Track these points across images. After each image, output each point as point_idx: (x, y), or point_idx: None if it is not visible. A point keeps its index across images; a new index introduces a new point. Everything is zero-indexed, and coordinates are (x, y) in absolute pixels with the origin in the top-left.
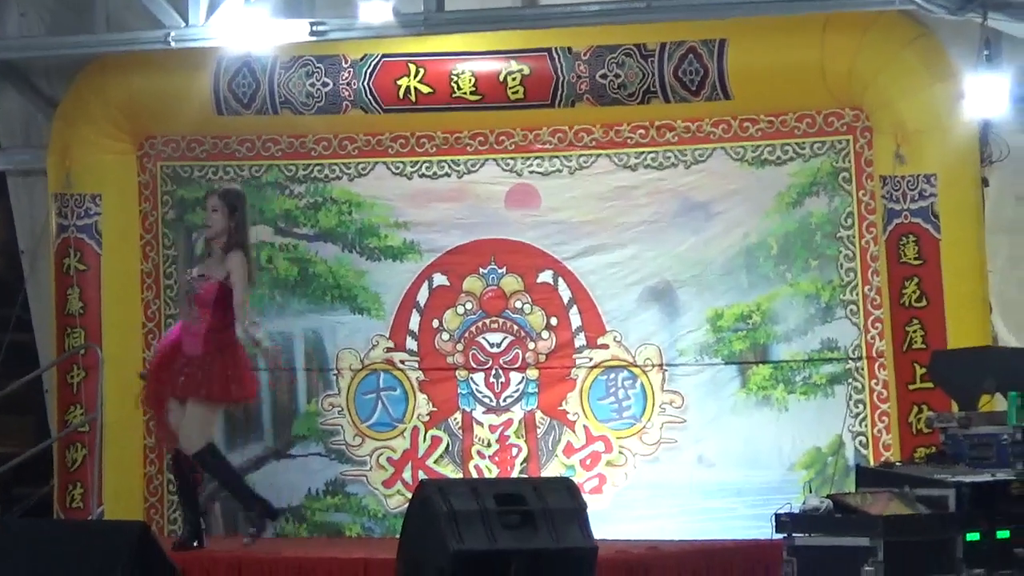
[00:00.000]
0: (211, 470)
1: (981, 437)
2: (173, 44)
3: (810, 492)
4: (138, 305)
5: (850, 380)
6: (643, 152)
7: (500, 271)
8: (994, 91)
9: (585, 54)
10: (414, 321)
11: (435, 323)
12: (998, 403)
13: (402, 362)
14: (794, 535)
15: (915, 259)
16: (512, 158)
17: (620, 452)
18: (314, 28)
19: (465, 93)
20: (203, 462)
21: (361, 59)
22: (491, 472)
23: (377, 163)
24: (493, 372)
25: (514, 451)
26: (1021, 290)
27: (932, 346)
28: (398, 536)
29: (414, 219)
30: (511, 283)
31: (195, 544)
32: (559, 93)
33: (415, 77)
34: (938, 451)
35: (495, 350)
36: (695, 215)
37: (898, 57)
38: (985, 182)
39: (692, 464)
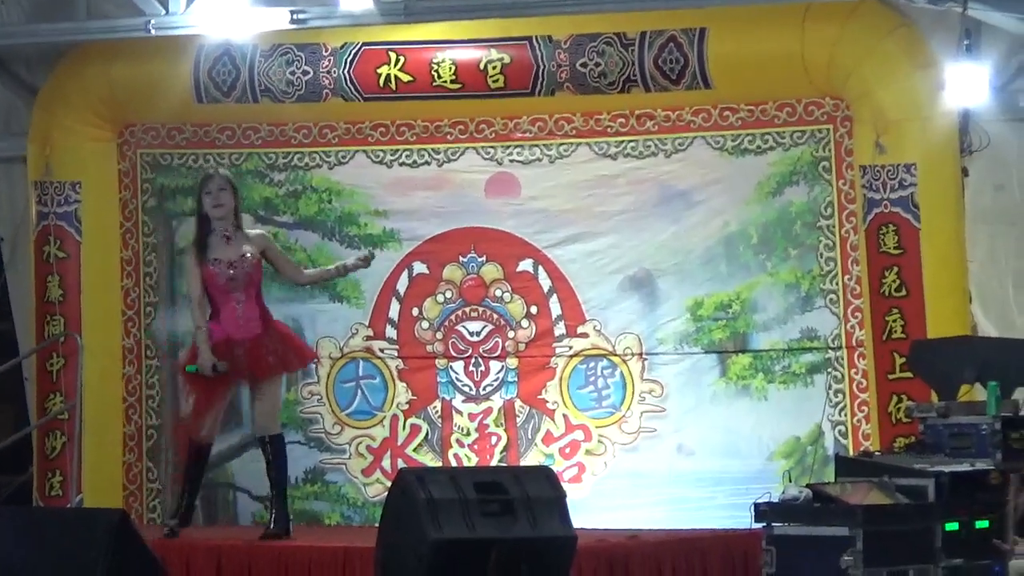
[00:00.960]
0: (282, 455)
1: (960, 427)
2: (153, 32)
3: (789, 481)
4: (118, 293)
5: (830, 369)
6: (623, 141)
7: (480, 259)
8: (974, 81)
9: (565, 43)
10: (394, 309)
11: (415, 311)
12: (978, 393)
13: (381, 350)
14: (773, 524)
15: (895, 248)
16: (492, 147)
17: (599, 441)
18: (294, 16)
19: (445, 81)
20: (280, 444)
21: (341, 47)
22: (470, 461)
23: (357, 151)
24: (473, 361)
25: (493, 440)
26: (1000, 280)
27: (912, 336)
28: (377, 524)
29: (394, 207)
30: (491, 272)
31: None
32: (539, 82)
33: (395, 65)
34: (917, 441)
35: (475, 339)
36: (675, 204)
37: (878, 47)
38: (965, 172)
39: (671, 453)
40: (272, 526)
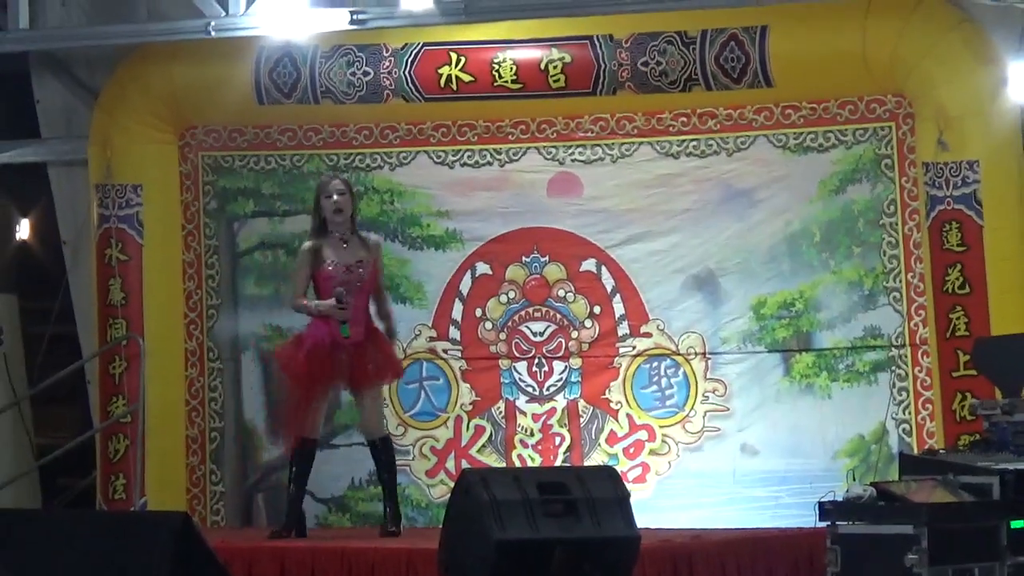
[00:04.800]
0: (391, 456)
1: None
2: (214, 33)
3: (853, 480)
4: (180, 295)
5: (893, 367)
6: (685, 140)
7: (543, 260)
8: None
9: (626, 42)
10: (457, 310)
11: (478, 312)
12: None
13: (445, 351)
14: (838, 523)
15: (958, 246)
16: (554, 146)
17: (663, 441)
18: (355, 17)
19: (506, 81)
20: (389, 446)
21: (402, 48)
22: (534, 461)
23: (419, 152)
24: (536, 361)
25: (557, 440)
26: None
27: (975, 333)
28: (441, 526)
29: (456, 208)
30: (554, 272)
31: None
32: (600, 81)
33: (456, 66)
34: (982, 438)
35: (538, 339)
36: (738, 203)
37: (940, 43)
38: None
39: (735, 453)
40: (388, 525)
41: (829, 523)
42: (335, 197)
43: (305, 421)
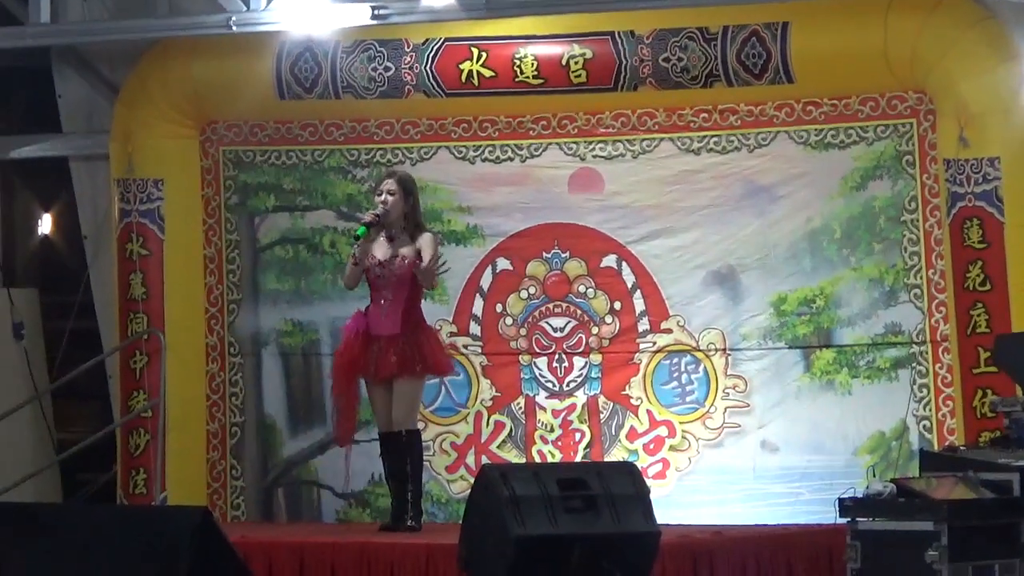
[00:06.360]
0: (418, 450)
1: None
2: (235, 28)
3: (874, 476)
4: (201, 290)
5: (914, 364)
6: (706, 136)
7: (563, 255)
8: None
9: (648, 38)
10: (477, 306)
11: (498, 307)
12: None
13: (465, 347)
14: (858, 519)
15: (979, 243)
16: (575, 142)
17: (683, 437)
18: (376, 12)
19: (528, 77)
20: (415, 440)
21: (423, 43)
22: (554, 457)
23: (440, 147)
24: (556, 357)
25: (577, 436)
26: None
27: (996, 330)
28: (461, 521)
29: (477, 203)
30: (574, 267)
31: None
32: (622, 77)
33: (477, 61)
34: (1002, 435)
35: (558, 335)
36: (758, 199)
37: (962, 40)
38: None
39: (756, 449)
40: (408, 520)
41: (849, 519)
42: (383, 195)
43: (351, 414)
